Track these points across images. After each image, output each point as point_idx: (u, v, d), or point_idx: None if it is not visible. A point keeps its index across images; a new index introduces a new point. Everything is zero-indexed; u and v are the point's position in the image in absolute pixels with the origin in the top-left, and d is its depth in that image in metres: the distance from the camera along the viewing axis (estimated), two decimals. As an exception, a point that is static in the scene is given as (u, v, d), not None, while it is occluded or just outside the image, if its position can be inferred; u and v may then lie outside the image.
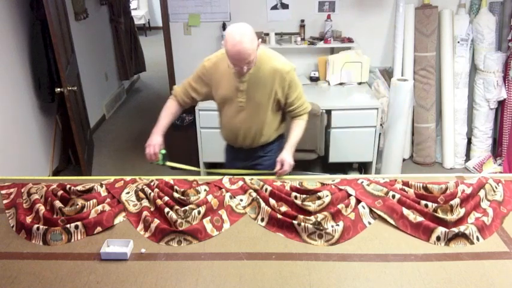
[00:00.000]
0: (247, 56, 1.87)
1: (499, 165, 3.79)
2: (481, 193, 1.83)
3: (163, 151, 2.14)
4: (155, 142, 2.12)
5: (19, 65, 3.42)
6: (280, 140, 2.33)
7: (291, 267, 1.55)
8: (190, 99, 2.23)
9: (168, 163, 2.19)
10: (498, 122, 3.96)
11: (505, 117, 3.79)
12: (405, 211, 1.74)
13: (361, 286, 1.46)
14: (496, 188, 1.90)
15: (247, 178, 2.02)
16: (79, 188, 1.96)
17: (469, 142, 4.04)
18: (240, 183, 1.99)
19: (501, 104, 3.85)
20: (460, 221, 1.70)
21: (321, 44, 3.85)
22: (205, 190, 1.94)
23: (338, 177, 2.04)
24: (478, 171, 3.85)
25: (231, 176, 2.06)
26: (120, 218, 1.82)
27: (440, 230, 1.65)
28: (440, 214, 1.72)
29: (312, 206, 1.78)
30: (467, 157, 4.04)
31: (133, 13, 6.99)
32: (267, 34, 3.89)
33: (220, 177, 2.06)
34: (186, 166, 2.28)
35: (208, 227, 1.73)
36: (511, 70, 3.69)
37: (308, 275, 1.51)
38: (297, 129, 2.20)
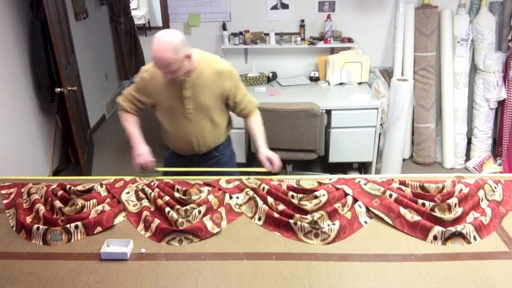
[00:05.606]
0: (167, 64, 1.87)
1: (499, 165, 3.79)
2: (480, 193, 1.83)
3: (153, 158, 2.14)
4: (144, 151, 2.13)
5: (19, 65, 3.42)
6: (229, 135, 2.38)
7: (291, 267, 1.55)
8: (140, 109, 2.24)
9: (158, 168, 2.19)
10: (498, 122, 3.96)
11: (505, 117, 3.79)
12: (402, 210, 1.74)
13: (361, 286, 1.46)
14: (495, 188, 1.90)
15: (243, 177, 2.02)
16: (79, 188, 1.96)
17: (469, 142, 4.04)
18: (236, 182, 1.99)
19: (501, 104, 3.85)
20: (458, 220, 1.70)
21: (321, 44, 3.85)
22: (208, 190, 1.94)
23: (335, 177, 2.05)
24: (478, 171, 3.85)
25: (228, 177, 2.06)
26: (120, 218, 1.82)
27: (437, 229, 1.65)
28: (437, 213, 1.72)
29: (308, 205, 1.78)
30: (467, 157, 4.04)
31: (133, 13, 6.99)
32: (267, 34, 3.89)
33: (217, 178, 2.06)
34: (177, 168, 2.27)
35: (209, 224, 1.73)
36: (511, 70, 3.69)
37: (308, 275, 1.51)
38: (259, 125, 2.22)
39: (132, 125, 2.21)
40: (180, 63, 1.90)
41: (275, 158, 2.09)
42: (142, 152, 2.12)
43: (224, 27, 3.90)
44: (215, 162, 2.32)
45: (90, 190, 1.96)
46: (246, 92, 2.21)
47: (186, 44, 1.91)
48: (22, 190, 2.02)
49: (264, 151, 2.12)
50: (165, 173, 2.26)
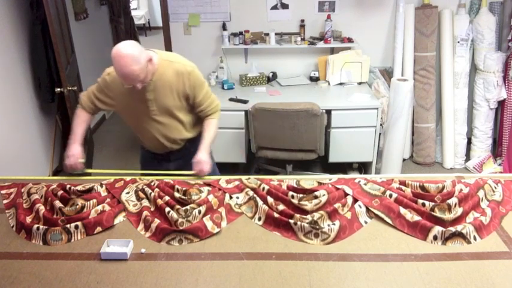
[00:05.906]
0: (135, 76, 1.88)
1: (499, 165, 3.79)
2: (480, 193, 1.83)
3: (83, 160, 2.14)
4: (75, 152, 2.12)
5: (19, 65, 3.42)
6: None
7: (291, 267, 1.55)
8: (98, 108, 2.23)
9: (88, 170, 2.20)
10: (498, 122, 3.96)
11: (505, 117, 3.79)
12: (402, 210, 1.74)
13: (361, 286, 1.46)
14: (495, 188, 1.90)
15: (243, 177, 2.02)
16: (79, 188, 1.96)
17: (469, 142, 4.04)
18: (236, 182, 1.99)
19: (501, 104, 3.85)
20: (458, 220, 1.70)
21: (321, 44, 3.85)
22: (208, 190, 1.95)
23: (335, 177, 2.05)
24: (478, 171, 3.85)
25: (228, 177, 2.06)
26: (120, 218, 1.82)
27: (437, 229, 1.65)
28: (437, 213, 1.72)
29: (308, 205, 1.78)
30: (467, 157, 4.04)
31: (133, 13, 6.99)
32: (267, 34, 3.89)
33: (216, 178, 2.06)
34: (109, 170, 2.25)
35: (209, 224, 1.74)
36: (511, 70, 3.69)
37: (308, 275, 1.51)
38: (210, 129, 2.20)
39: (79, 122, 2.20)
40: (145, 69, 1.92)
41: (206, 163, 2.08)
42: (75, 152, 2.12)
43: (224, 27, 3.90)
44: (192, 158, 2.30)
45: (90, 190, 1.96)
46: (208, 94, 2.18)
47: (143, 49, 1.92)
48: (22, 190, 2.02)
49: (199, 154, 2.11)
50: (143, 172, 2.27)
